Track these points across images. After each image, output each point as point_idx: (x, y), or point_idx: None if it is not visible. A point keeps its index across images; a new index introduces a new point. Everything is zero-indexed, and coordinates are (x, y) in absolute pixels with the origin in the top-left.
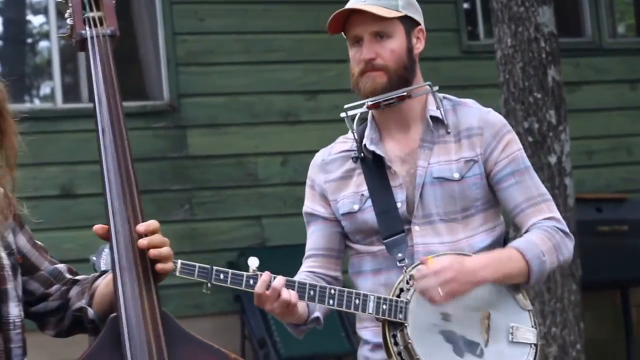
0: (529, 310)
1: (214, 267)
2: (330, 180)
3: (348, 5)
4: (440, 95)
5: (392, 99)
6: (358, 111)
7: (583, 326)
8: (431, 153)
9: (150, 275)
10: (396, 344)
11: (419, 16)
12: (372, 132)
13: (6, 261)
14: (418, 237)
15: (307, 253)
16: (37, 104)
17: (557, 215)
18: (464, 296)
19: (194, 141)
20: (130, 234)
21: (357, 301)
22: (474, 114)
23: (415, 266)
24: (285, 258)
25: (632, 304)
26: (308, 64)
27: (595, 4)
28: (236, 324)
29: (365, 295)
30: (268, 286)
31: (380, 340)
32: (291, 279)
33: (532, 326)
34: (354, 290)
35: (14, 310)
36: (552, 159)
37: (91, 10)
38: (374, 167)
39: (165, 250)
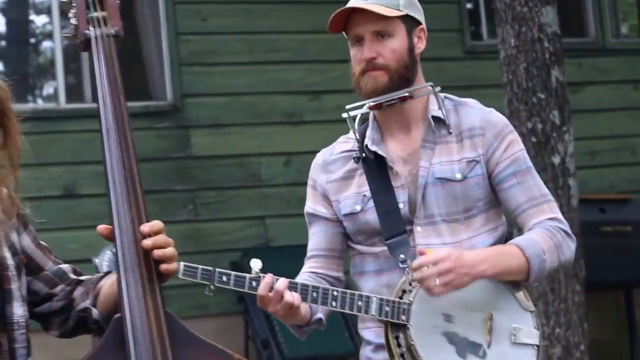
0: (531, 312)
1: (217, 269)
2: (332, 181)
3: (349, 5)
4: (442, 95)
5: (394, 99)
6: (360, 112)
7: (587, 327)
8: (433, 153)
9: (154, 275)
10: (399, 345)
11: (420, 15)
12: (373, 133)
13: (10, 261)
14: (420, 237)
15: (308, 254)
16: (40, 104)
17: (559, 215)
18: (462, 289)
19: (197, 141)
20: (134, 235)
21: (359, 303)
22: (475, 114)
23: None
24: (289, 258)
25: (636, 304)
26: (311, 64)
27: (598, 4)
28: (240, 325)
29: (368, 297)
30: (271, 288)
31: (382, 341)
32: (294, 280)
33: (535, 327)
34: (356, 292)
35: (18, 310)
36: (556, 160)
37: (95, 10)
38: (376, 168)
39: (170, 250)
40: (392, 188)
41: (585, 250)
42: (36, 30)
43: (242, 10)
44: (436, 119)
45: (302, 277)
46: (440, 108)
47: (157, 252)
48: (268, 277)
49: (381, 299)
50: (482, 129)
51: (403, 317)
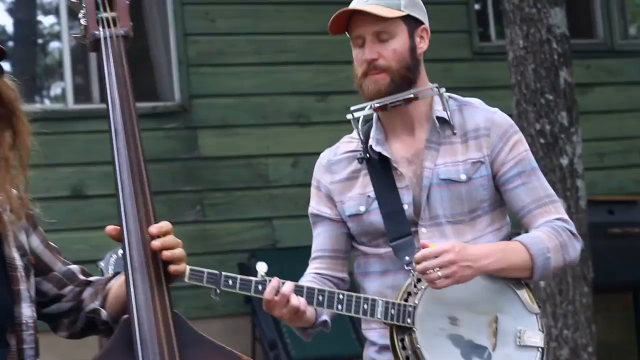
0: (536, 314)
1: (223, 273)
2: (336, 181)
3: (350, 6)
4: (446, 95)
5: (399, 100)
6: (364, 113)
7: (595, 328)
8: (437, 154)
9: (162, 276)
10: (404, 348)
11: (422, 15)
12: (377, 133)
13: (19, 262)
14: (425, 239)
15: (313, 254)
16: (48, 104)
17: (565, 216)
18: (466, 290)
19: (205, 142)
20: (143, 236)
21: (365, 306)
22: (480, 114)
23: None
24: (296, 259)
25: None
26: (319, 65)
27: (607, 5)
28: (247, 326)
29: (374, 300)
30: (277, 292)
31: (386, 342)
32: (300, 284)
33: (540, 329)
34: (362, 295)
35: (27, 311)
36: (564, 161)
37: (105, 10)
38: (380, 168)
39: (178, 251)
40: (396, 189)
41: (593, 251)
42: (44, 31)
43: (250, 11)
44: (441, 119)
45: (307, 279)
46: (445, 109)
47: (165, 253)
48: (274, 281)
49: (387, 302)
50: (486, 129)
51: (408, 320)
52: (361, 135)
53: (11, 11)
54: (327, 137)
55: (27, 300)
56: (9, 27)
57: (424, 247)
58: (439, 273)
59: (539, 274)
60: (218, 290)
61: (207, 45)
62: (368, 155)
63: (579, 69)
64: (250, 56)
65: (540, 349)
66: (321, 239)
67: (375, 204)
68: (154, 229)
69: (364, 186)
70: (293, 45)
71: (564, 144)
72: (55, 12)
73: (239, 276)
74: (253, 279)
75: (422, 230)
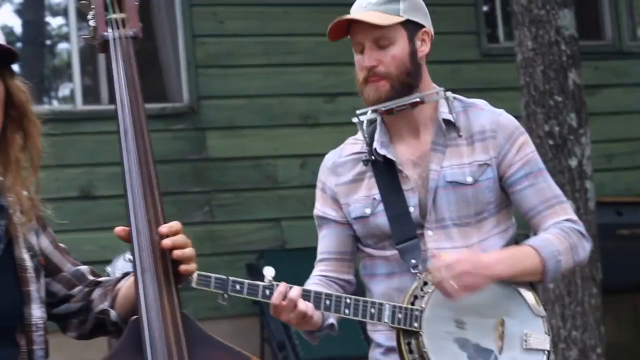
0: (542, 317)
1: (230, 278)
2: (342, 184)
3: (350, 12)
4: (451, 96)
5: (405, 104)
6: (370, 117)
7: (603, 330)
8: (443, 156)
9: (171, 277)
10: (411, 351)
11: (423, 18)
12: (381, 136)
13: (29, 263)
14: (431, 241)
15: (319, 257)
16: (57, 105)
17: (574, 216)
18: (478, 291)
19: (214, 143)
20: (152, 236)
21: (372, 310)
22: (486, 116)
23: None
24: (304, 260)
25: None
26: (327, 66)
27: (615, 7)
28: (255, 327)
29: (381, 304)
30: (284, 297)
31: (392, 343)
32: (307, 289)
33: (546, 333)
34: (369, 300)
35: (37, 312)
36: (573, 162)
37: (114, 11)
38: (385, 171)
39: (189, 251)
40: (401, 191)
41: (601, 253)
42: (52, 32)
43: (258, 13)
44: (446, 121)
45: (313, 281)
46: (450, 111)
47: (176, 252)
48: (282, 286)
49: (394, 306)
50: (493, 131)
51: (415, 324)
52: (366, 138)
53: (19, 12)
54: (335, 138)
55: (37, 301)
56: (18, 29)
57: (435, 257)
58: (455, 285)
59: (551, 277)
60: (226, 295)
61: (215, 46)
62: (373, 157)
63: (587, 70)
64: (258, 57)
65: (546, 352)
66: (327, 241)
67: (381, 207)
68: (164, 228)
69: (370, 188)
70: (301, 46)
71: (573, 145)
72: (64, 13)
73: (246, 281)
74: (260, 283)
75: (428, 233)
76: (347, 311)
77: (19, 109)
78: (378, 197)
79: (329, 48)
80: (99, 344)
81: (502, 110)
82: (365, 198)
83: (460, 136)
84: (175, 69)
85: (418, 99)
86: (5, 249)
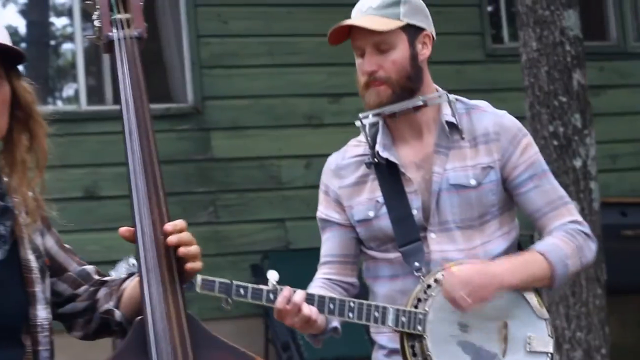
0: (545, 319)
1: (234, 282)
2: (345, 186)
3: (349, 21)
4: (453, 98)
5: (408, 108)
6: (373, 120)
7: (608, 330)
8: (447, 159)
9: (175, 277)
10: (415, 354)
11: (424, 21)
12: (384, 138)
13: (34, 264)
14: (434, 244)
15: (322, 259)
16: (61, 106)
17: (579, 217)
18: (489, 301)
19: (218, 144)
20: (157, 237)
21: (376, 314)
22: (488, 118)
23: (433, 274)
24: (308, 261)
25: None
26: (332, 66)
27: (620, 8)
28: (259, 327)
29: (385, 308)
30: (288, 301)
31: (396, 345)
32: (311, 293)
33: (549, 335)
34: (372, 303)
35: (42, 312)
36: (578, 163)
37: (119, 12)
38: (388, 173)
39: (194, 248)
40: (404, 194)
41: (606, 253)
42: (56, 33)
43: (262, 13)
44: (449, 124)
45: (317, 284)
46: (453, 114)
47: (182, 250)
48: (286, 290)
49: (397, 310)
50: (496, 134)
51: (419, 327)
52: (370, 141)
53: (24, 13)
54: (339, 139)
55: (42, 302)
56: (22, 29)
57: (446, 270)
58: (470, 300)
59: (559, 282)
60: (230, 300)
61: (219, 47)
62: (376, 160)
63: (592, 71)
64: (262, 58)
65: (549, 355)
66: (330, 244)
67: (384, 209)
68: (169, 226)
69: (373, 191)
70: (305, 47)
71: (577, 146)
72: (68, 13)
73: (250, 285)
74: (264, 288)
75: (432, 236)
76: (350, 315)
77: (25, 110)
78: (381, 199)
79: (333, 48)
80: (103, 345)
81: (504, 112)
82: (368, 201)
83: (463, 138)
84: (180, 69)
85: (421, 102)
86: (11, 250)
